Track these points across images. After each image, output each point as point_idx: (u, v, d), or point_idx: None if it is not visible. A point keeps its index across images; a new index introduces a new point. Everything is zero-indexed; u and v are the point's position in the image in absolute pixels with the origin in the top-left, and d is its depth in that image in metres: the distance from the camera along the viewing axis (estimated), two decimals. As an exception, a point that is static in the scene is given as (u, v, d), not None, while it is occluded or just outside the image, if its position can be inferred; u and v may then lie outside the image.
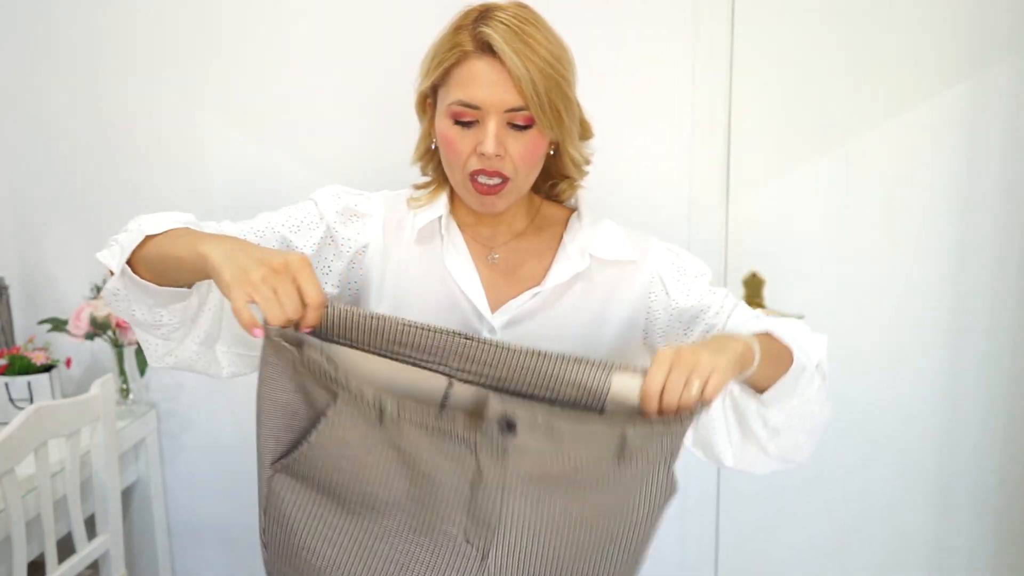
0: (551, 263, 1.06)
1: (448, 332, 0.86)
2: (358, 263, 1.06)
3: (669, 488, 0.88)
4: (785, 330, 0.97)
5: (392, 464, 0.85)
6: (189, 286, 0.94)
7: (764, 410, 0.97)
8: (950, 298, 1.79)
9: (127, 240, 0.94)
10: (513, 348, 0.85)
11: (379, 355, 0.87)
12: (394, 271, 1.06)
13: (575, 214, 1.10)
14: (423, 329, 0.85)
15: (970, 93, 1.70)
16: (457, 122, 0.96)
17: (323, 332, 0.86)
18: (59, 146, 1.97)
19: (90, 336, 1.88)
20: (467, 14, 0.98)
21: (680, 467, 0.89)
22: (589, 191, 1.13)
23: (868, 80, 1.73)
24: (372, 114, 1.86)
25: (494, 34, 0.93)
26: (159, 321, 0.97)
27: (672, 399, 0.82)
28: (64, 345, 1.99)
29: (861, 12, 1.71)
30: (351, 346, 0.87)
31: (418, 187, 1.11)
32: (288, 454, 0.87)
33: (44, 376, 1.88)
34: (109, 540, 1.75)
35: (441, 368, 0.88)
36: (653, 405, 0.82)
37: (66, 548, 1.65)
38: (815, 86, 1.75)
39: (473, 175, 0.97)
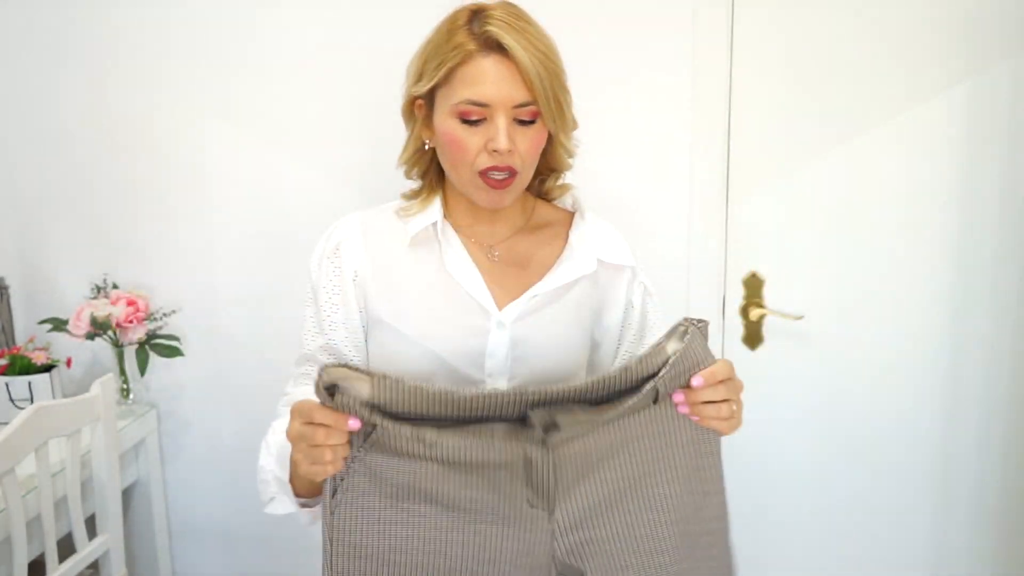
0: (555, 261, 1.08)
1: (498, 394, 0.86)
2: (360, 288, 1.07)
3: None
4: None
5: (442, 475, 0.88)
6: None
7: None
8: (950, 297, 1.79)
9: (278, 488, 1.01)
10: (565, 388, 0.87)
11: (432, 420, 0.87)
12: (389, 284, 1.06)
13: (577, 214, 1.13)
14: (472, 398, 0.85)
15: (970, 93, 1.70)
16: (464, 121, 0.97)
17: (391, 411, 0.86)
18: (59, 146, 1.97)
19: (90, 336, 1.88)
20: (457, 16, 0.99)
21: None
22: (586, 191, 1.14)
23: (868, 80, 1.73)
24: (372, 114, 1.86)
25: (500, 32, 0.94)
26: None
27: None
28: (64, 345, 1.99)
29: (861, 12, 1.71)
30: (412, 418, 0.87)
31: (407, 196, 1.11)
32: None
33: (44, 376, 1.88)
34: (109, 540, 1.75)
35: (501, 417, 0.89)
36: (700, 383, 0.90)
37: (66, 548, 1.65)
38: (815, 86, 1.75)
39: (484, 172, 0.98)
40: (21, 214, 2.01)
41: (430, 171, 1.09)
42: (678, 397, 0.90)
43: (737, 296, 1.86)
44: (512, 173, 0.99)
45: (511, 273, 1.08)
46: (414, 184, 1.12)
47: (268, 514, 1.04)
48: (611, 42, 1.76)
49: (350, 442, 0.86)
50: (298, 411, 0.85)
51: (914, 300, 1.80)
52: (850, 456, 1.87)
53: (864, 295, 1.81)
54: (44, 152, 1.98)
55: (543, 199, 1.15)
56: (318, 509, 0.99)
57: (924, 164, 1.75)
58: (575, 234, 1.10)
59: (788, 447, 1.89)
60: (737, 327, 1.86)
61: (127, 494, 2.01)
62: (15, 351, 1.90)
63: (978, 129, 1.72)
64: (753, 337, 1.86)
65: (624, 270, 1.12)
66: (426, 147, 1.06)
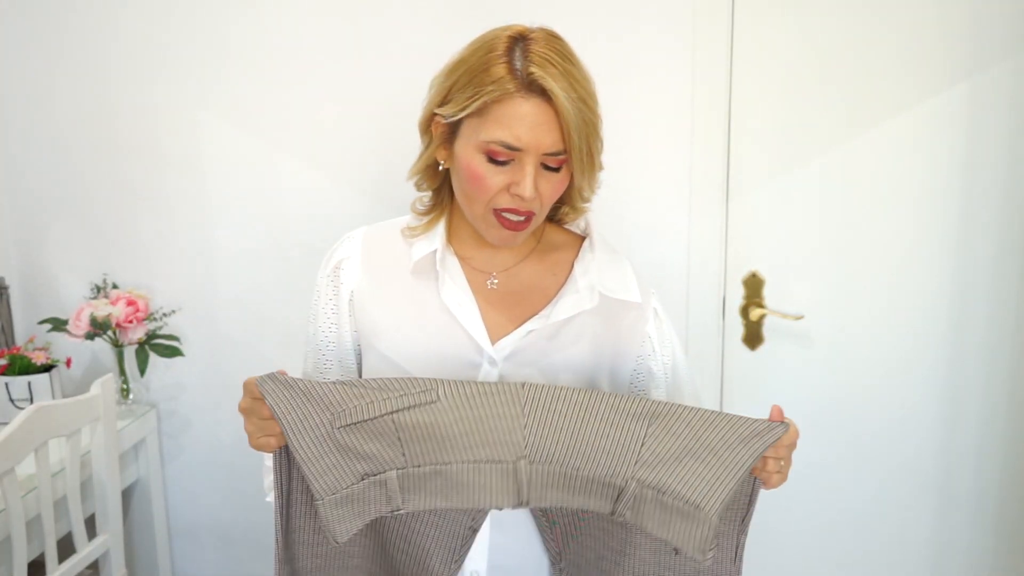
0: (556, 293, 1.03)
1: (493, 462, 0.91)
2: (355, 310, 1.06)
3: None
4: None
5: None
6: None
7: None
8: (950, 297, 1.79)
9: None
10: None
11: None
12: (384, 309, 1.04)
13: (587, 242, 1.07)
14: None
15: (970, 93, 1.70)
16: (491, 160, 0.93)
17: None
18: (59, 146, 1.97)
19: (90, 336, 1.88)
20: (495, 43, 0.92)
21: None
22: (598, 213, 1.10)
23: (868, 80, 1.73)
24: (371, 114, 1.86)
25: (544, 75, 0.89)
26: None
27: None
28: (64, 345, 1.99)
29: (861, 12, 1.71)
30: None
31: (417, 213, 1.07)
32: None
33: (44, 376, 1.87)
34: (109, 540, 1.75)
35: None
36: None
37: (66, 548, 1.65)
38: (815, 85, 1.75)
39: (499, 211, 0.95)
40: (21, 214, 2.02)
41: (442, 189, 1.05)
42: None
43: (737, 296, 1.86)
44: (529, 217, 0.96)
45: (510, 303, 1.03)
46: (422, 193, 1.08)
47: (267, 512, 1.04)
48: (611, 41, 1.76)
49: None
50: (248, 386, 0.90)
51: (914, 300, 1.80)
52: (850, 455, 1.87)
53: (864, 295, 1.81)
54: (44, 152, 1.98)
55: (554, 223, 1.10)
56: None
57: (924, 164, 1.75)
58: (580, 264, 1.04)
59: (788, 447, 1.89)
60: (737, 327, 1.86)
61: (127, 494, 2.01)
62: (15, 351, 1.90)
63: (978, 129, 1.71)
64: (753, 337, 1.86)
65: (630, 307, 1.05)
66: (440, 167, 1.01)
